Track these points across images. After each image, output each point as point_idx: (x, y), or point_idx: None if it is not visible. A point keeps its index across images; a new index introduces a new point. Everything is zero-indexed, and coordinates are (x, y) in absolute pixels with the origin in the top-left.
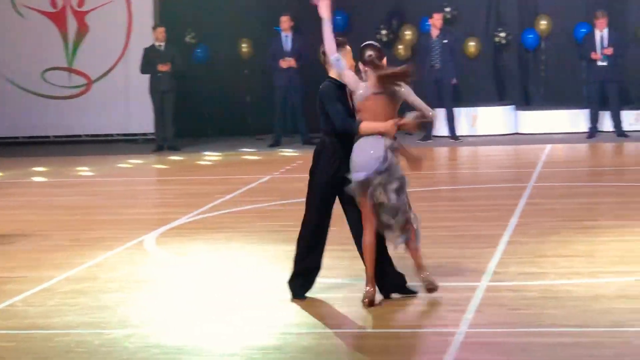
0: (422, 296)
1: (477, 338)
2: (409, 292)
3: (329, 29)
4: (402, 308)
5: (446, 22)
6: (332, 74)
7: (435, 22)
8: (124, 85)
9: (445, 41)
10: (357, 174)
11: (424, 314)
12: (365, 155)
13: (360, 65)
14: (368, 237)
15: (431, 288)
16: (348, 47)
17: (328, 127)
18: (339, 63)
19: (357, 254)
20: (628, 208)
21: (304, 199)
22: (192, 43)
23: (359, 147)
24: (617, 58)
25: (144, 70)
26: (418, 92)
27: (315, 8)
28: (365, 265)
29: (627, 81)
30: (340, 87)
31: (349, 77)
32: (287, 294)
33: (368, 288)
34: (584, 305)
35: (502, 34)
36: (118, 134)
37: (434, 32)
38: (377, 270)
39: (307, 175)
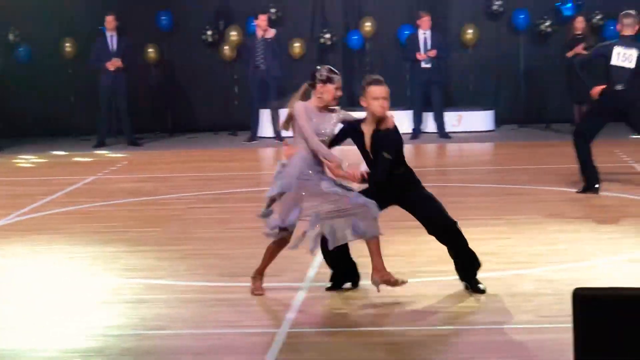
0: (245, 296)
1: (299, 338)
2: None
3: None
4: (224, 308)
5: (271, 22)
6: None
7: (260, 22)
8: None
9: (270, 42)
10: None
11: (246, 314)
12: None
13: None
14: None
15: None
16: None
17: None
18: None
19: (176, 254)
20: (449, 208)
21: (126, 200)
22: (14, 42)
23: None
24: (440, 60)
25: None
26: (243, 93)
27: (141, 8)
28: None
29: (450, 83)
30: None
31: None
32: (108, 295)
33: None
34: (404, 305)
35: (327, 35)
36: None
37: (259, 33)
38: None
39: (131, 176)
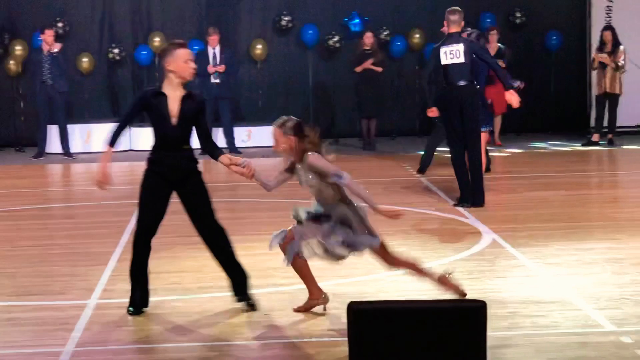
0: (31, 316)
1: (84, 356)
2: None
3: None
4: (9, 328)
5: (58, 37)
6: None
7: (47, 37)
8: None
9: (56, 56)
10: None
11: (31, 333)
12: None
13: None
14: None
15: None
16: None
17: None
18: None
19: None
20: (239, 223)
21: None
22: None
23: None
24: (229, 76)
25: None
26: (30, 109)
27: None
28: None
29: (239, 98)
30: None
31: None
32: None
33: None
34: (191, 320)
35: (116, 50)
36: None
37: (45, 48)
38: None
39: None
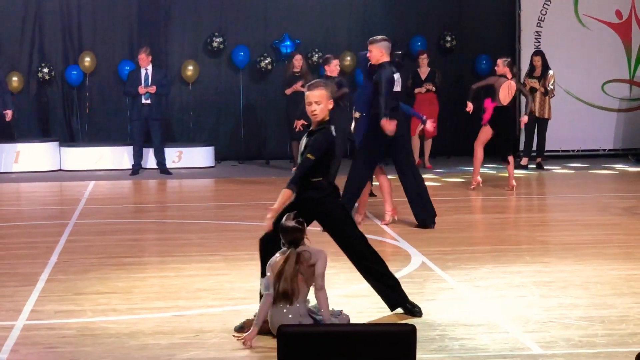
0: None
1: None
2: None
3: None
4: None
5: None
6: None
7: None
8: None
9: None
10: None
11: None
12: None
13: None
14: None
15: None
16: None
17: None
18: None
19: None
20: (168, 244)
21: None
22: None
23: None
24: (160, 96)
25: None
26: None
27: None
28: None
29: (170, 119)
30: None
31: None
32: None
33: None
34: (121, 341)
35: (46, 70)
36: None
37: None
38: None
39: None
